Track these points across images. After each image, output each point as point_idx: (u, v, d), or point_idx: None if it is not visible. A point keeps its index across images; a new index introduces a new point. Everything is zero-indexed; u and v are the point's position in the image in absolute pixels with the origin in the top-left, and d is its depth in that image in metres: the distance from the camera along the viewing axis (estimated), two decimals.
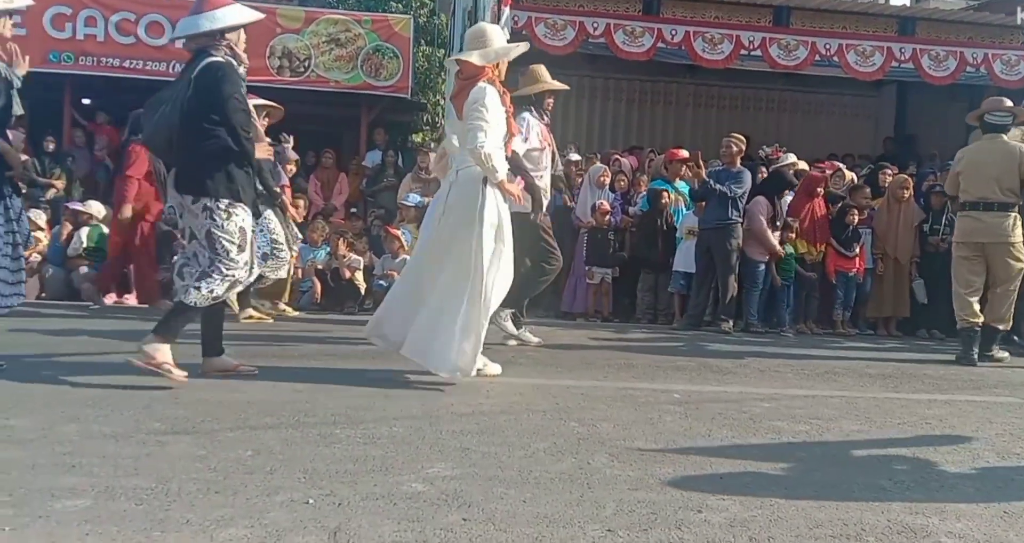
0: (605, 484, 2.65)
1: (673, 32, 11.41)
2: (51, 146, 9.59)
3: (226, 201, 3.90)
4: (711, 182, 7.82)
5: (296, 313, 7.52)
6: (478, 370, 4.32)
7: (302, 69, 10.37)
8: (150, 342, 3.82)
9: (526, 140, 5.51)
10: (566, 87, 6.10)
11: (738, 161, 8.12)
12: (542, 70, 5.94)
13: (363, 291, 8.20)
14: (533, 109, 5.79)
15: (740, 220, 7.93)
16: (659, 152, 10.44)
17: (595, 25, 11.27)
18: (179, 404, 3.51)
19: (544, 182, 5.72)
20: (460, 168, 4.30)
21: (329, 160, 10.43)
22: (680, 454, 3.06)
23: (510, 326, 5.78)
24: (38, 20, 9.63)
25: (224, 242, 3.91)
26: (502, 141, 4.31)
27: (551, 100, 5.99)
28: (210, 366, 4.14)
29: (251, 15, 4.16)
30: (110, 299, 7.68)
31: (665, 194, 8.57)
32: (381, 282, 8.05)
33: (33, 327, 5.59)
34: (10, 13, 4.01)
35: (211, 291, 3.89)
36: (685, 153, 8.96)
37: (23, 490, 2.38)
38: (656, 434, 3.36)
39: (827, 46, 11.75)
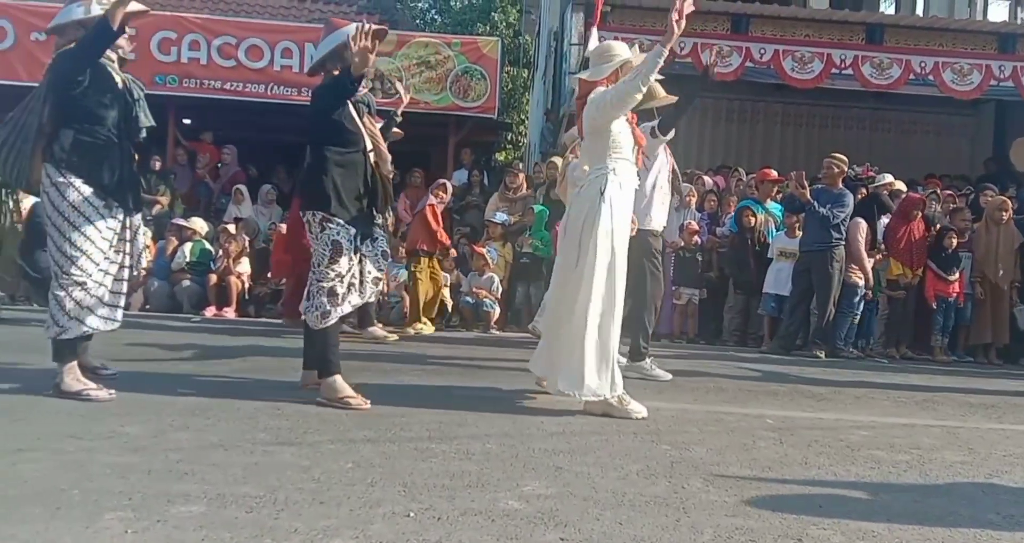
0: (701, 509, 2.63)
1: (762, 51, 11.29)
2: (157, 164, 10.04)
3: (320, 215, 3.97)
4: (815, 204, 7.65)
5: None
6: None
7: (393, 91, 10.61)
8: (323, 381, 3.95)
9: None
10: (675, 98, 6.03)
11: (839, 182, 7.95)
12: (656, 85, 5.91)
13: (450, 308, 8.31)
14: (652, 127, 5.69)
15: (842, 242, 7.76)
16: (748, 172, 10.30)
17: (682, 45, 11.24)
18: (281, 415, 3.64)
19: (664, 199, 5.69)
20: (582, 183, 4.27)
21: (417, 179, 10.62)
22: (777, 481, 3.02)
23: (644, 364, 5.54)
24: (146, 44, 10.13)
25: (317, 253, 4.01)
26: (631, 152, 4.26)
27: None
28: (310, 379, 4.25)
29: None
30: (209, 312, 7.97)
31: (748, 213, 8.46)
32: (468, 298, 8.16)
33: (141, 340, 5.85)
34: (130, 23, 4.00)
35: (315, 308, 3.95)
36: (776, 174, 8.82)
37: (141, 495, 2.50)
38: (751, 460, 3.32)
39: (922, 64, 11.45)
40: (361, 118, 4.23)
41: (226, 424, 3.44)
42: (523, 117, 25.43)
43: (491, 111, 11.23)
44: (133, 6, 3.85)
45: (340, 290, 3.99)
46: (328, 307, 3.95)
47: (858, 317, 8.14)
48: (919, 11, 15.36)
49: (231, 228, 8.65)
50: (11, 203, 5.77)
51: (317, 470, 2.84)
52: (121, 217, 3.94)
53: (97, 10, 3.85)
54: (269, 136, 11.37)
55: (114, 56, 3.98)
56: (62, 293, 3.74)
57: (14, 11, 10.28)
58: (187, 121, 11.37)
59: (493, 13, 27.27)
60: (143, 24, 10.20)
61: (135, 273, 4.14)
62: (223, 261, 8.43)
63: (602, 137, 4.20)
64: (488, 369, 5.52)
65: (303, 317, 4.09)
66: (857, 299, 7.99)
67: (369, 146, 4.22)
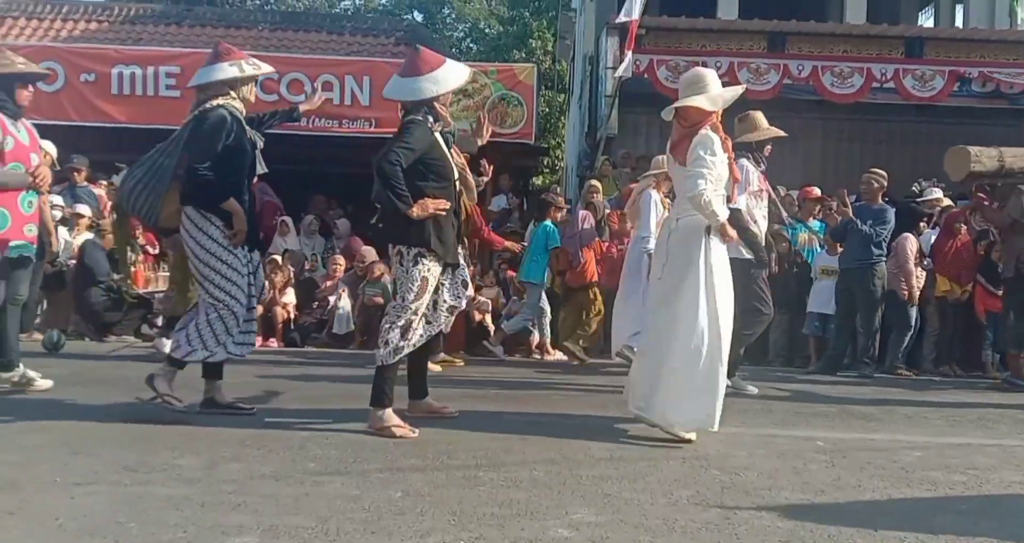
0: (754, 535, 2.60)
1: (800, 68, 11.25)
2: None
3: (415, 250, 3.98)
4: (857, 222, 7.56)
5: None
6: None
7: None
8: (372, 410, 3.99)
9: (746, 188, 5.50)
10: (785, 135, 6.06)
11: (880, 198, 7.85)
12: (760, 117, 5.91)
13: (492, 332, 8.33)
14: (751, 155, 5.74)
15: (883, 259, 7.65)
16: (787, 189, 10.21)
17: (718, 64, 11.24)
18: (330, 445, 3.67)
19: (761, 229, 5.73)
20: (680, 217, 4.20)
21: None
22: (830, 505, 2.98)
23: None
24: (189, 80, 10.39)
25: (403, 287, 4.04)
26: (724, 188, 4.21)
27: (770, 146, 5.94)
28: (416, 408, 4.35)
29: (464, 75, 4.27)
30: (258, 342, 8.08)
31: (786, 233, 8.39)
32: (507, 320, 8.18)
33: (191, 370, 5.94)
34: (255, 79, 4.31)
35: (386, 343, 3.96)
36: (818, 191, 8.74)
37: (195, 527, 2.54)
38: (803, 484, 3.27)
39: (967, 73, 11.30)
40: (449, 149, 4.21)
41: (276, 454, 3.48)
42: (559, 141, 25.54)
43: (528, 136, 11.31)
44: (266, 67, 4.35)
45: (415, 324, 4.02)
46: (400, 342, 3.97)
47: (909, 334, 8.00)
48: (958, 22, 15.19)
49: (278, 259, 8.79)
50: (127, 234, 6.08)
51: (367, 500, 2.86)
52: (249, 254, 4.25)
53: (249, 70, 4.17)
54: (309, 167, 11.56)
55: (244, 108, 4.28)
56: (218, 323, 4.10)
57: (64, 54, 10.65)
58: None
59: (530, 39, 27.51)
60: (188, 62, 10.54)
61: (257, 305, 4.47)
62: (269, 292, 8.56)
63: None
64: (532, 394, 5.51)
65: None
66: (907, 316, 7.85)
67: (457, 176, 4.28)
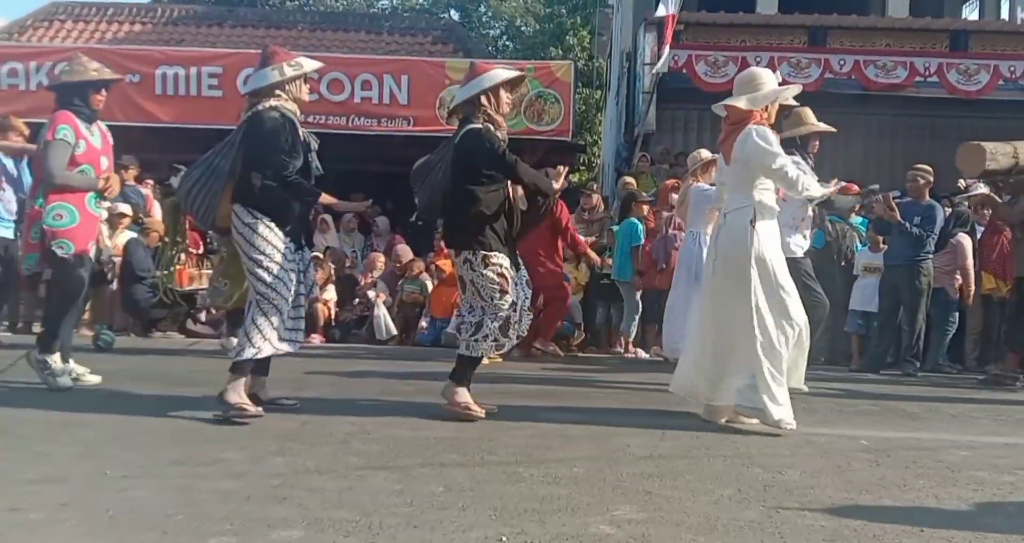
0: (798, 534, 2.58)
1: (842, 62, 11.11)
2: None
3: (482, 253, 4.15)
4: (907, 225, 7.41)
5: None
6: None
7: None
8: (450, 387, 4.26)
9: None
10: (833, 129, 5.99)
11: (927, 194, 7.72)
12: (808, 112, 5.86)
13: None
14: (797, 151, 5.66)
15: (929, 256, 7.52)
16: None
17: (758, 58, 11.14)
18: (372, 440, 3.71)
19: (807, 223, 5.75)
20: (728, 211, 4.29)
21: None
22: (875, 505, 2.94)
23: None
24: (232, 82, 10.55)
25: (486, 289, 4.18)
26: (773, 184, 4.30)
27: (816, 142, 5.90)
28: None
29: (504, 75, 4.34)
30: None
31: (831, 226, 8.28)
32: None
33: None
34: (304, 77, 4.36)
35: (485, 338, 4.19)
36: (857, 188, 8.61)
37: (242, 520, 2.58)
38: (847, 483, 3.24)
39: (1011, 69, 11.08)
40: None
41: (320, 448, 3.52)
42: (596, 138, 25.47)
43: (565, 134, 11.31)
44: (310, 64, 4.38)
45: (513, 320, 4.22)
46: (503, 339, 4.23)
47: (952, 332, 7.87)
48: (1004, 15, 14.86)
49: (320, 256, 8.89)
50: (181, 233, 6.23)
51: (409, 494, 2.88)
52: (299, 252, 4.32)
53: (290, 72, 4.23)
54: (347, 166, 11.67)
55: (298, 110, 4.32)
56: (262, 319, 4.13)
57: (110, 55, 10.85)
58: None
59: (566, 36, 27.45)
60: (230, 63, 10.69)
61: (306, 302, 4.52)
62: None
63: (751, 170, 4.23)
64: (570, 391, 5.52)
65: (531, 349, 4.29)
66: (952, 314, 7.72)
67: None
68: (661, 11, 10.25)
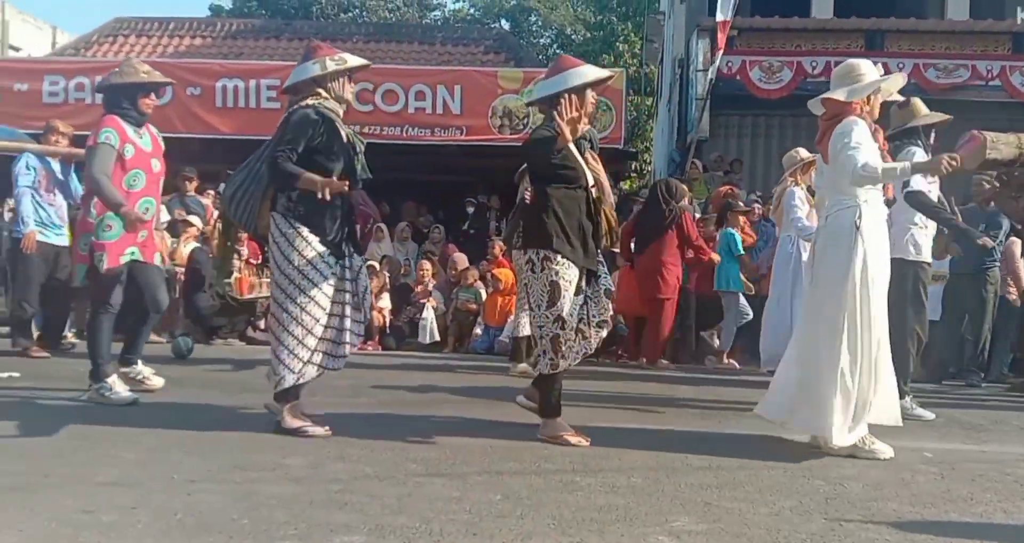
0: None
1: (900, 65, 10.88)
2: None
3: (543, 253, 3.89)
4: (976, 235, 7.15)
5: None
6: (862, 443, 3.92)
7: (521, 127, 10.84)
8: (544, 420, 3.99)
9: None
10: (948, 117, 5.61)
11: (991, 200, 7.51)
12: (920, 103, 5.68)
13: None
14: (920, 142, 5.32)
15: (996, 264, 7.31)
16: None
17: (814, 63, 11.00)
18: (429, 447, 3.75)
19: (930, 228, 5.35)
20: (829, 214, 4.02)
21: None
22: (941, 520, 2.87)
23: (904, 403, 4.91)
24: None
25: (535, 295, 3.93)
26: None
27: (935, 133, 5.55)
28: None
29: (594, 73, 4.13)
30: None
31: None
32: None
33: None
34: (348, 73, 4.15)
35: (543, 353, 3.90)
36: None
37: (306, 524, 2.63)
38: (911, 496, 3.17)
39: None
40: (583, 154, 4.08)
41: (379, 455, 3.57)
42: (647, 145, 25.34)
43: (617, 141, 11.26)
44: (354, 60, 4.14)
45: (563, 337, 3.89)
46: (556, 357, 3.89)
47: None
48: None
49: (376, 265, 9.00)
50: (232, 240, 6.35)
51: (467, 502, 2.91)
52: (343, 261, 4.08)
53: (332, 66, 4.02)
54: (401, 175, 11.80)
55: (340, 110, 4.13)
56: (294, 342, 3.90)
57: (172, 69, 11.08)
58: None
59: (617, 43, 27.40)
60: (287, 76, 10.88)
61: (362, 311, 4.20)
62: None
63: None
64: (624, 403, 5.48)
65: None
66: (1016, 323, 7.50)
67: (591, 181, 4.07)
68: (720, 16, 10.15)
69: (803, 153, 6.56)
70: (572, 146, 3.94)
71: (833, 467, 3.63)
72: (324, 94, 4.06)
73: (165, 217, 8.17)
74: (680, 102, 13.96)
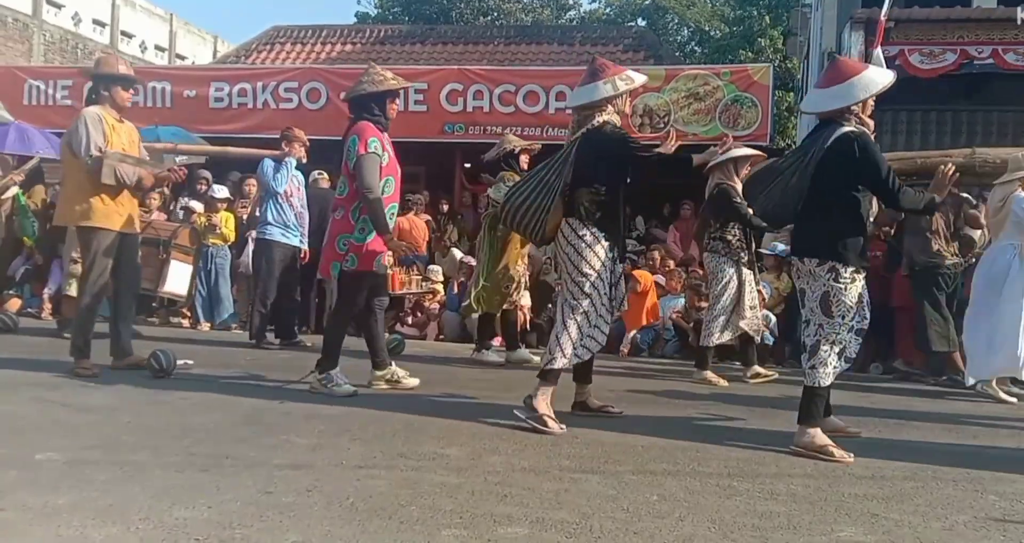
0: None
1: None
2: (445, 207, 10.91)
3: (851, 268, 3.83)
4: None
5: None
6: None
7: (661, 125, 10.73)
8: (801, 428, 3.85)
9: None
10: None
11: None
12: None
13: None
14: None
15: None
16: None
17: (980, 51, 10.44)
18: (580, 443, 3.79)
19: None
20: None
21: (687, 211, 10.60)
22: None
23: None
24: (436, 97, 11.05)
25: (837, 306, 3.85)
26: None
27: None
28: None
29: (630, 83, 4.35)
30: (497, 341, 8.39)
31: None
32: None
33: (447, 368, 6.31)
34: (630, 91, 4.43)
35: (824, 364, 3.83)
36: None
37: (470, 514, 2.72)
38: None
39: None
40: None
41: (532, 449, 3.64)
42: (790, 142, 24.52)
43: (763, 138, 10.95)
44: (640, 79, 4.46)
45: (846, 341, 3.95)
46: (834, 362, 3.87)
47: None
48: None
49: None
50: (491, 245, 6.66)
51: (624, 500, 2.93)
52: (614, 265, 4.35)
53: (622, 86, 4.31)
54: None
55: (620, 120, 4.44)
56: (576, 330, 4.19)
57: (326, 74, 11.70)
58: (467, 165, 12.20)
59: (757, 38, 26.65)
60: (434, 79, 11.20)
61: (616, 314, 4.55)
62: None
63: None
64: (782, 408, 5.34)
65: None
66: None
67: None
68: (883, 16, 9.64)
69: None
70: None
71: (1006, 482, 3.43)
72: (611, 110, 4.34)
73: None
74: None
